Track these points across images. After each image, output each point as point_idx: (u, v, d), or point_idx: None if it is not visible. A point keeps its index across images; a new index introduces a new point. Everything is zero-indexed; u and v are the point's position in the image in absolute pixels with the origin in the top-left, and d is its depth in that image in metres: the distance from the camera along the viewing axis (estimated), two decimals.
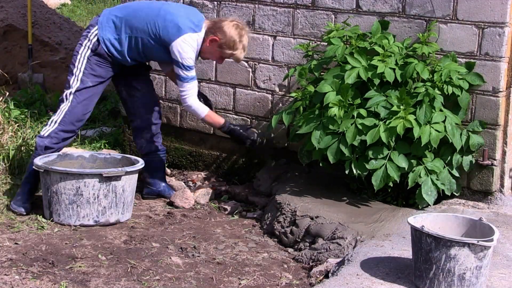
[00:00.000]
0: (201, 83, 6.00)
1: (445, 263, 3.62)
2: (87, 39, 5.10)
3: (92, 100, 5.16)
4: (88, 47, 5.09)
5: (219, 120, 5.23)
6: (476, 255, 3.60)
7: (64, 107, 5.09)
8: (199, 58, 5.21)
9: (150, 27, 5.00)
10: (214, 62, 5.90)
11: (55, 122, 5.09)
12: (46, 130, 5.10)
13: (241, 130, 5.27)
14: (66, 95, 5.10)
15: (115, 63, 5.14)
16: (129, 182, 4.98)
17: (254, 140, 5.27)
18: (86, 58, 5.09)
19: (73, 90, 5.08)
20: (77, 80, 5.09)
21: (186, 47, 4.95)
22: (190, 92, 5.06)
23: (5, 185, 5.47)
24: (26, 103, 7.29)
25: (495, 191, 4.94)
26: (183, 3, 5.99)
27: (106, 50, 5.07)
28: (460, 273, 3.62)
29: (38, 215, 5.01)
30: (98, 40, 5.07)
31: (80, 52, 5.11)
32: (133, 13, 5.09)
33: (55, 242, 4.59)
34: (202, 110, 5.13)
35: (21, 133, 6.14)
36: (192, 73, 5.03)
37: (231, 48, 5.05)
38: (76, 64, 5.10)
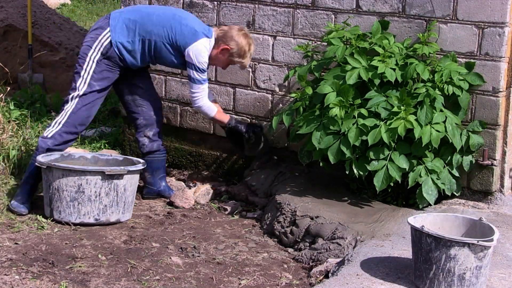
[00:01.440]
0: None
1: (445, 263, 3.62)
2: (98, 41, 5.10)
3: (96, 104, 5.19)
4: (99, 50, 5.09)
5: (226, 117, 5.41)
6: (476, 255, 3.60)
7: (68, 108, 5.09)
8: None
9: (167, 30, 5.10)
10: None
11: (59, 123, 5.09)
12: (50, 131, 5.10)
13: (242, 126, 5.43)
14: (72, 97, 5.10)
15: (124, 66, 5.16)
16: (131, 182, 4.99)
17: (254, 132, 5.43)
18: (95, 61, 5.10)
19: (80, 93, 5.09)
20: (85, 83, 5.10)
21: (202, 51, 5.10)
22: (202, 93, 5.22)
23: (5, 185, 5.47)
24: (26, 103, 7.28)
25: (495, 191, 4.94)
26: (182, 3, 6.00)
27: (118, 53, 5.09)
28: (460, 273, 3.62)
29: (38, 215, 5.01)
30: (110, 43, 5.08)
31: (89, 55, 5.10)
32: (147, 16, 5.15)
33: (55, 242, 4.59)
34: (213, 109, 5.31)
35: (21, 133, 6.14)
36: (205, 76, 5.20)
37: (241, 57, 5.23)
38: (85, 67, 5.09)
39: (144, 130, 5.42)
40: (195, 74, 5.14)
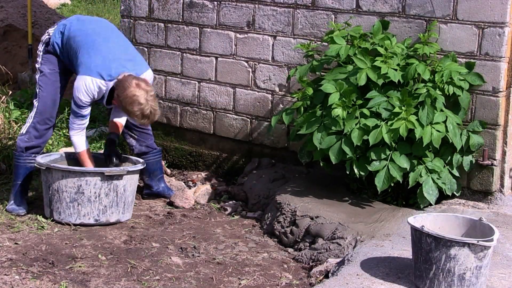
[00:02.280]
0: (201, 83, 6.00)
1: (445, 263, 3.62)
2: (44, 36, 5.21)
3: (55, 86, 5.13)
4: (43, 43, 5.17)
5: (89, 164, 5.04)
6: (476, 255, 3.60)
7: (35, 102, 5.15)
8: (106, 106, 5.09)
9: (74, 52, 5.00)
10: (214, 61, 5.92)
11: (31, 117, 5.15)
12: (24, 128, 5.16)
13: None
14: (36, 92, 5.16)
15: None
16: (130, 182, 4.99)
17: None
18: (42, 51, 5.17)
19: (38, 81, 5.14)
20: (38, 72, 5.16)
21: (79, 87, 4.86)
22: (72, 126, 4.98)
23: (5, 185, 5.47)
24: (26, 103, 7.28)
25: (495, 191, 4.94)
26: (182, 3, 6.00)
27: (53, 51, 5.16)
28: (460, 273, 3.62)
29: (38, 215, 5.01)
30: (49, 39, 5.15)
31: (39, 48, 5.20)
32: (78, 30, 5.05)
33: (55, 242, 4.59)
34: (79, 146, 5.03)
35: None
36: (80, 111, 4.92)
37: (129, 114, 4.89)
38: (38, 59, 5.20)
39: (129, 133, 5.38)
40: (72, 104, 4.93)
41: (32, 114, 5.13)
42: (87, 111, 4.94)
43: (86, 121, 4.99)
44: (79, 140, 5.01)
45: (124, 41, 5.16)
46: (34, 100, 5.16)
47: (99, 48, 4.91)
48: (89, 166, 5.03)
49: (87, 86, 4.84)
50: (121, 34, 5.22)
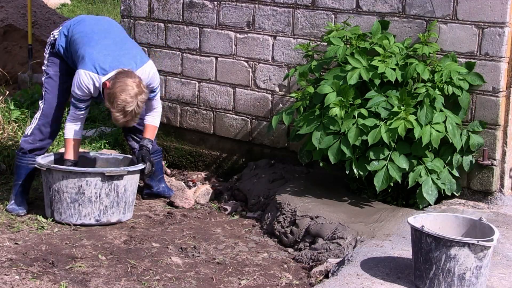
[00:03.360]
0: (201, 83, 6.00)
1: (445, 263, 3.62)
2: (49, 38, 5.23)
3: (62, 88, 5.15)
4: (49, 45, 5.19)
5: (69, 154, 5.00)
6: (476, 255, 3.60)
7: (41, 104, 5.17)
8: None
9: (75, 48, 5.02)
10: (214, 61, 5.92)
11: (36, 118, 5.16)
12: (29, 129, 5.16)
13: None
14: (42, 93, 5.19)
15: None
16: (131, 182, 4.99)
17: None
18: (48, 53, 5.20)
19: (44, 84, 5.16)
20: (44, 74, 5.18)
21: (76, 81, 4.86)
22: (72, 114, 4.98)
23: (5, 185, 5.47)
24: (26, 103, 7.29)
25: (495, 191, 4.94)
26: (182, 3, 6.00)
27: (59, 53, 5.18)
28: (460, 273, 3.62)
29: (38, 215, 5.01)
30: (55, 40, 5.17)
31: (45, 51, 5.23)
32: (82, 31, 5.07)
33: (55, 242, 4.59)
34: (68, 133, 5.00)
35: (21, 133, 6.14)
36: (79, 105, 4.93)
37: (110, 103, 4.81)
38: (44, 61, 5.22)
39: (130, 134, 5.40)
40: (71, 97, 4.95)
41: (38, 115, 5.14)
42: (84, 104, 4.95)
43: (83, 113, 4.99)
44: (71, 128, 5.00)
45: (124, 37, 5.16)
46: (40, 102, 5.18)
47: (95, 45, 4.93)
48: (69, 155, 4.98)
49: (81, 80, 4.85)
50: (122, 31, 5.23)
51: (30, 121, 6.43)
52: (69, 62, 5.11)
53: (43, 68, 5.23)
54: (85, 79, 4.84)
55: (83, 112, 4.98)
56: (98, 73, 4.84)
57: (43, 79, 5.19)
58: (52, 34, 5.23)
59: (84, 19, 5.19)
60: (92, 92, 4.89)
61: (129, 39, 5.24)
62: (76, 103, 4.94)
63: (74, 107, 4.97)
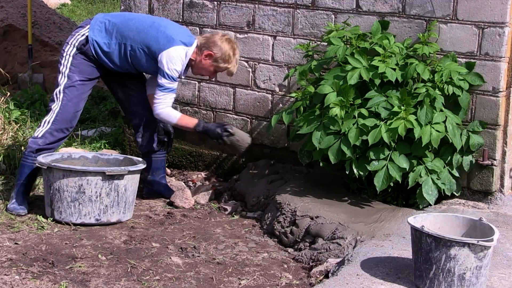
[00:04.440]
0: (201, 83, 6.00)
1: (445, 263, 3.62)
2: (75, 38, 5.15)
3: (81, 98, 5.16)
4: (74, 45, 5.13)
5: (192, 120, 5.25)
6: (476, 255, 3.60)
7: (55, 106, 5.09)
8: (182, 77, 5.22)
9: (143, 36, 5.05)
10: None
11: (48, 122, 5.08)
12: (40, 131, 5.09)
13: (214, 128, 5.23)
14: (56, 94, 5.11)
15: (100, 65, 5.16)
16: (131, 182, 4.99)
17: (227, 135, 5.22)
18: (71, 55, 5.12)
19: (61, 87, 5.09)
20: (64, 77, 5.11)
21: (174, 58, 5.00)
22: (164, 101, 5.08)
23: (5, 185, 5.47)
24: (26, 103, 7.29)
25: (495, 191, 4.94)
26: (182, 3, 6.00)
27: (93, 52, 5.11)
28: (460, 273, 3.62)
29: (38, 215, 5.01)
30: (86, 39, 5.11)
31: (66, 50, 5.15)
32: (126, 21, 5.13)
33: (55, 242, 4.59)
34: (174, 115, 5.15)
35: (22, 133, 6.14)
36: (173, 85, 5.06)
37: (226, 62, 5.11)
38: (63, 61, 5.13)
39: (140, 130, 5.42)
40: (162, 80, 5.01)
41: (51, 119, 5.07)
42: (176, 84, 5.10)
43: (173, 96, 5.13)
44: (170, 111, 5.14)
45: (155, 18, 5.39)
46: (53, 105, 5.09)
47: (162, 23, 5.12)
48: (193, 121, 5.20)
49: (178, 55, 5.02)
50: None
51: (30, 121, 6.47)
52: (113, 56, 5.09)
53: (62, 69, 5.11)
54: (181, 53, 5.01)
55: (175, 95, 5.13)
56: (187, 45, 5.04)
57: (60, 81, 5.09)
58: (77, 33, 5.14)
59: (115, 14, 5.26)
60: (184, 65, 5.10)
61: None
62: (172, 84, 5.04)
63: (168, 92, 5.05)
